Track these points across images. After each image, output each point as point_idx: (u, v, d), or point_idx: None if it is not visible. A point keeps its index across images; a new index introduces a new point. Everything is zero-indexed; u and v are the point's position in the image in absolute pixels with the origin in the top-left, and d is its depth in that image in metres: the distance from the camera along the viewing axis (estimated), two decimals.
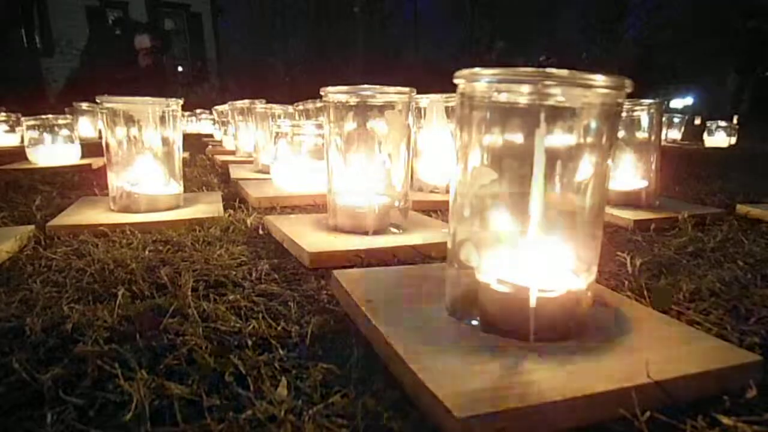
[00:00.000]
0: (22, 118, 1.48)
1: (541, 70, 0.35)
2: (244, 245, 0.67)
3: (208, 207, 0.86)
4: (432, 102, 0.99)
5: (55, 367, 0.35)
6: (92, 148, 1.59)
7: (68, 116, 1.64)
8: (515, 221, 0.38)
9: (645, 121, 0.90)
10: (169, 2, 8.42)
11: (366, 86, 0.67)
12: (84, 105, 2.35)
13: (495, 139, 0.38)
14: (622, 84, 0.36)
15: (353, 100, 0.67)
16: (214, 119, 2.73)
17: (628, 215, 0.83)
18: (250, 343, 0.39)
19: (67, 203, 0.92)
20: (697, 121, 4.07)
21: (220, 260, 0.60)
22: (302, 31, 12.14)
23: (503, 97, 0.37)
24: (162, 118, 0.83)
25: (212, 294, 0.49)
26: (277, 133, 1.02)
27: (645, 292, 0.51)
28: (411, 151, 0.72)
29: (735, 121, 3.27)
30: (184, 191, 0.90)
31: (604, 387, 0.31)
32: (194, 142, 2.33)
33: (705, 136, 2.94)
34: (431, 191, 1.02)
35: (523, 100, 0.36)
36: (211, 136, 2.73)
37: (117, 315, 0.44)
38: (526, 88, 0.36)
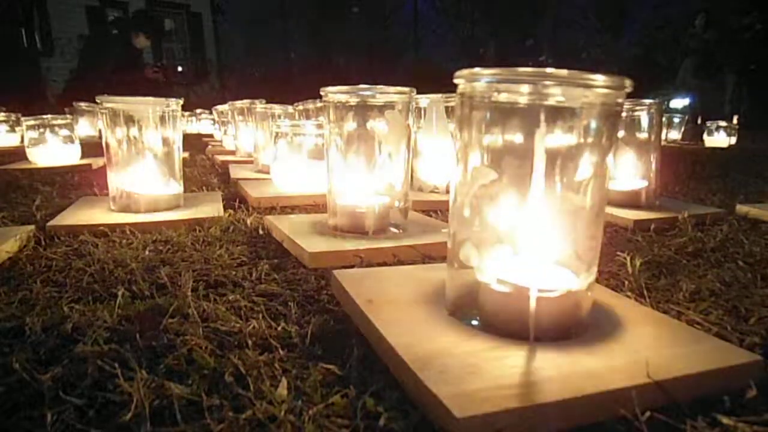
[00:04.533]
0: (22, 118, 1.48)
1: (540, 70, 0.35)
2: (244, 245, 0.67)
3: (208, 207, 0.86)
4: (432, 102, 0.99)
5: (55, 367, 0.35)
6: (92, 148, 1.59)
7: (68, 116, 1.64)
8: (515, 221, 0.38)
9: (645, 121, 0.90)
10: (169, 2, 8.42)
11: (366, 86, 0.67)
12: (84, 105, 2.35)
13: (495, 139, 0.38)
14: (622, 84, 0.36)
15: (353, 100, 0.67)
16: (214, 119, 2.74)
17: (628, 215, 0.83)
18: (250, 343, 0.39)
19: (67, 203, 0.92)
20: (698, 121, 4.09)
21: (220, 260, 0.60)
22: (302, 31, 12.14)
23: (503, 97, 0.37)
24: (162, 118, 0.83)
25: (212, 294, 0.49)
26: (277, 133, 1.02)
27: (645, 292, 0.51)
28: (411, 151, 0.72)
29: (735, 121, 3.27)
30: (184, 191, 0.90)
31: (604, 387, 0.31)
32: (194, 142, 2.33)
33: (705, 136, 2.94)
34: (431, 191, 1.02)
35: (523, 100, 0.36)
36: (211, 136, 2.73)
37: (117, 315, 0.44)
38: (525, 88, 0.36)
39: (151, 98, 0.83)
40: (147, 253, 0.62)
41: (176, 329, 0.41)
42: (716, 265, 0.62)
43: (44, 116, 1.46)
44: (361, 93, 0.67)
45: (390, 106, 0.67)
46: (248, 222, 0.79)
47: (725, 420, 0.30)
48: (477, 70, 0.37)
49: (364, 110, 0.67)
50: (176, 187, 0.86)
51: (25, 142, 1.47)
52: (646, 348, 0.37)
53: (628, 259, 0.59)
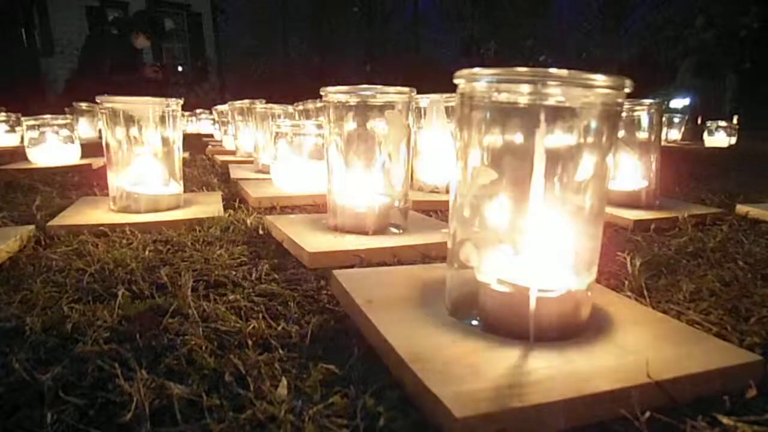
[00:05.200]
0: (22, 118, 1.48)
1: (541, 70, 0.35)
2: (244, 245, 0.67)
3: (208, 207, 0.86)
4: (432, 102, 0.99)
5: (55, 367, 0.35)
6: (92, 148, 1.59)
7: (68, 116, 1.64)
8: (515, 221, 0.38)
9: (645, 121, 0.90)
10: (169, 2, 8.42)
11: (366, 86, 0.67)
12: (84, 105, 2.35)
13: (495, 139, 0.38)
14: (622, 84, 0.36)
15: (353, 100, 0.67)
16: (214, 119, 2.74)
17: (628, 215, 0.83)
18: (250, 343, 0.39)
19: (67, 203, 0.92)
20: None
21: (220, 260, 0.60)
22: (302, 31, 12.14)
23: (503, 97, 0.37)
24: (162, 118, 0.83)
25: (212, 294, 0.49)
26: (277, 133, 1.02)
27: (645, 292, 0.51)
28: (411, 151, 0.72)
29: (735, 121, 3.27)
30: (184, 191, 0.90)
31: (604, 387, 0.31)
32: (194, 142, 2.33)
33: (705, 136, 2.94)
34: (431, 191, 1.02)
35: (523, 100, 0.36)
36: (211, 136, 2.73)
37: (117, 315, 0.44)
38: (525, 88, 0.36)
39: (151, 98, 0.83)
40: (147, 253, 0.62)
41: (176, 329, 0.41)
42: (716, 265, 0.62)
43: (44, 116, 1.46)
44: (361, 93, 0.67)
45: (390, 106, 0.67)
46: (248, 222, 0.79)
47: (725, 420, 0.30)
48: (477, 70, 0.37)
49: (364, 110, 0.67)
50: (176, 187, 0.86)
51: (25, 142, 1.47)
52: (646, 348, 0.37)
53: (628, 259, 0.59)
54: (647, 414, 0.30)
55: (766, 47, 4.44)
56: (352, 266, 0.57)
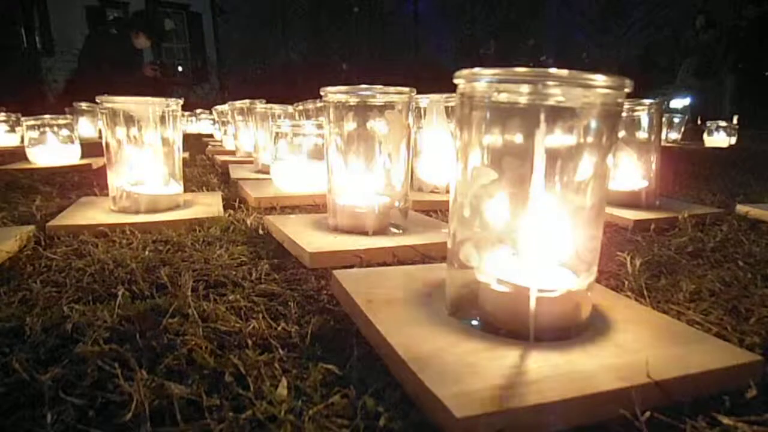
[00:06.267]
0: (22, 118, 1.48)
1: (541, 69, 0.35)
2: (244, 245, 0.67)
3: (208, 207, 0.86)
4: (432, 102, 0.99)
5: (55, 367, 0.35)
6: (92, 148, 1.59)
7: (68, 116, 1.64)
8: (515, 221, 0.38)
9: (645, 121, 0.90)
10: (169, 2, 8.42)
11: (366, 86, 0.67)
12: (84, 105, 2.35)
13: (495, 139, 0.38)
14: (622, 84, 0.36)
15: (353, 100, 0.67)
16: (214, 119, 2.74)
17: (628, 215, 0.83)
18: (250, 343, 0.39)
19: (67, 203, 0.92)
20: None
21: (220, 260, 0.60)
22: (302, 31, 12.14)
23: (503, 97, 0.37)
24: (162, 118, 0.83)
25: (212, 294, 0.49)
26: (277, 133, 1.02)
27: (645, 292, 0.51)
28: (411, 151, 0.72)
29: (735, 121, 3.27)
30: (184, 191, 0.90)
31: (604, 387, 0.31)
32: (194, 142, 2.33)
33: (705, 136, 2.94)
34: (431, 191, 1.02)
35: (523, 100, 0.36)
36: (211, 136, 2.73)
37: (117, 315, 0.44)
38: (526, 88, 0.36)
39: (151, 98, 0.83)
40: (147, 253, 0.62)
41: (176, 329, 0.41)
42: (716, 265, 0.62)
43: (44, 116, 1.46)
44: (361, 93, 0.67)
45: (390, 106, 0.67)
46: (248, 222, 0.79)
47: (725, 420, 0.30)
48: (477, 70, 0.37)
49: (364, 110, 0.67)
50: (176, 187, 0.86)
51: (25, 142, 1.47)
52: (646, 348, 0.37)
53: (628, 259, 0.59)
54: (647, 414, 0.30)
55: (762, 46, 4.44)
56: (352, 266, 0.57)
